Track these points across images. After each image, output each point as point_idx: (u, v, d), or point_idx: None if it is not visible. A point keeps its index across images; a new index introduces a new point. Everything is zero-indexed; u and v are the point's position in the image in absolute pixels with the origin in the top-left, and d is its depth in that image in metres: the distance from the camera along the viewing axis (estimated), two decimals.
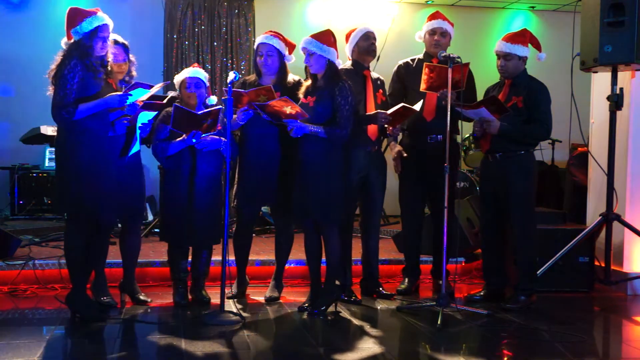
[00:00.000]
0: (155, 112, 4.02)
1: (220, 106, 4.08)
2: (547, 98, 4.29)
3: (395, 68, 4.76)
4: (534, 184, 4.37)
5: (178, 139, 4.06)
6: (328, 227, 4.08)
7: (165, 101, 3.93)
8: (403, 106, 4.22)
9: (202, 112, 3.99)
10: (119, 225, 4.35)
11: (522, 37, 4.28)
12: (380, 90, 4.49)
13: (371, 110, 4.33)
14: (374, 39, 4.45)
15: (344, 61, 4.25)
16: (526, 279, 4.31)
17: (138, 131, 3.92)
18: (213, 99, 4.25)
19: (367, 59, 4.45)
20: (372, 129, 4.38)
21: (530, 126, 4.26)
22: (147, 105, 3.87)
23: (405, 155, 4.61)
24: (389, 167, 4.61)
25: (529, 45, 4.30)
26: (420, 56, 4.70)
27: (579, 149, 6.23)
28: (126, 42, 4.11)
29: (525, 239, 4.30)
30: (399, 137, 4.70)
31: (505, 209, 4.32)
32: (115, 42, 3.98)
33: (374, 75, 4.51)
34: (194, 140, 4.00)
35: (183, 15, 7.52)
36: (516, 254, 4.33)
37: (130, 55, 4.13)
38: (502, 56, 4.29)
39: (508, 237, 4.43)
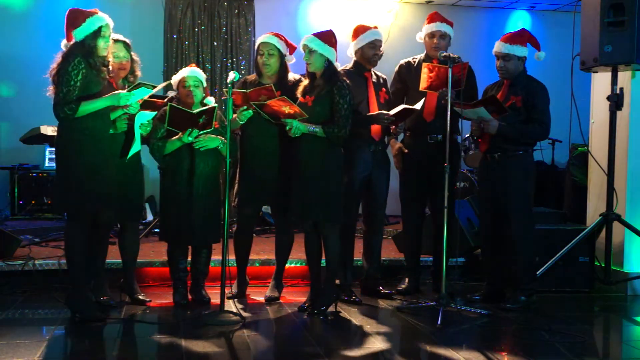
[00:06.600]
0: (155, 112, 4.03)
1: (214, 104, 4.09)
2: (545, 98, 4.29)
3: (397, 67, 4.76)
4: (533, 184, 4.37)
5: (174, 138, 4.06)
6: (328, 226, 4.07)
7: (165, 100, 3.94)
8: (404, 108, 4.22)
9: (197, 110, 4.00)
10: (118, 225, 4.35)
11: (521, 37, 4.28)
12: (383, 89, 4.49)
13: (374, 110, 4.33)
14: (379, 48, 4.43)
15: (344, 60, 4.24)
16: (526, 279, 4.31)
17: (139, 131, 3.93)
18: (210, 100, 4.25)
19: (369, 65, 4.45)
20: (375, 129, 4.37)
21: (529, 126, 4.26)
22: (147, 104, 3.87)
23: (406, 151, 4.62)
24: (391, 167, 4.61)
25: (528, 45, 4.30)
26: (422, 56, 4.69)
27: (579, 149, 6.23)
28: (127, 40, 4.11)
29: (525, 238, 4.30)
30: (400, 137, 4.71)
31: (504, 208, 4.32)
32: (116, 41, 3.98)
33: (376, 75, 4.50)
34: (190, 139, 4.01)
35: (183, 15, 7.51)
36: (516, 254, 4.32)
37: (133, 54, 4.13)
38: (501, 57, 4.29)
39: (507, 236, 4.43)
